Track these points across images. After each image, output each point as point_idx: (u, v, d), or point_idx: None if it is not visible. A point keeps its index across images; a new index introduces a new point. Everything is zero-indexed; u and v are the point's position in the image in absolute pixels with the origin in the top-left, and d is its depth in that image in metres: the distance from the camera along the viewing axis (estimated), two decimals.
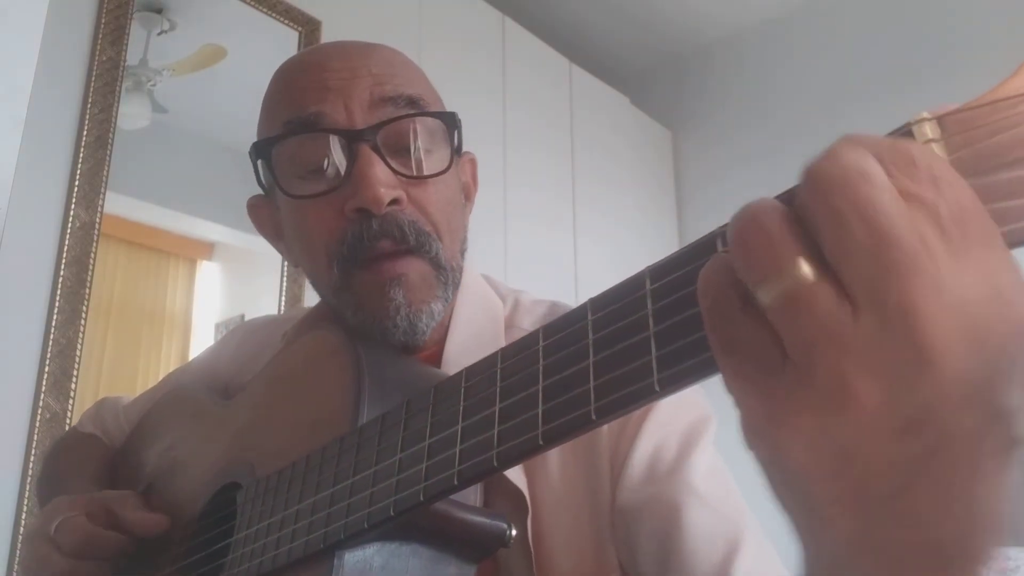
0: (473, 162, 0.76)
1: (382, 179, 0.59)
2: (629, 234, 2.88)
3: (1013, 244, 0.25)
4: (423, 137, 0.63)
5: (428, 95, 0.66)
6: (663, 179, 3.19)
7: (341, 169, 0.61)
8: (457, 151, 0.68)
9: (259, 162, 0.65)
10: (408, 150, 0.63)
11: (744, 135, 3.11)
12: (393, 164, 0.61)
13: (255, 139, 0.69)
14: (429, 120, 0.64)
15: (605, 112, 2.94)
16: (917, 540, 0.25)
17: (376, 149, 0.60)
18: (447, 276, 0.64)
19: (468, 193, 0.75)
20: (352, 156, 0.60)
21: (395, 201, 0.61)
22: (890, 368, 0.24)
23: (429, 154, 0.64)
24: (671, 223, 3.16)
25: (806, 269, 0.25)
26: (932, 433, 0.24)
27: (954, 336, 0.23)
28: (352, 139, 0.60)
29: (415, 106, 0.64)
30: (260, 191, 0.71)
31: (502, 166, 2.42)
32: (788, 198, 0.27)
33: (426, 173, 0.63)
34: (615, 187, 2.89)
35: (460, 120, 0.65)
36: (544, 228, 2.56)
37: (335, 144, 0.61)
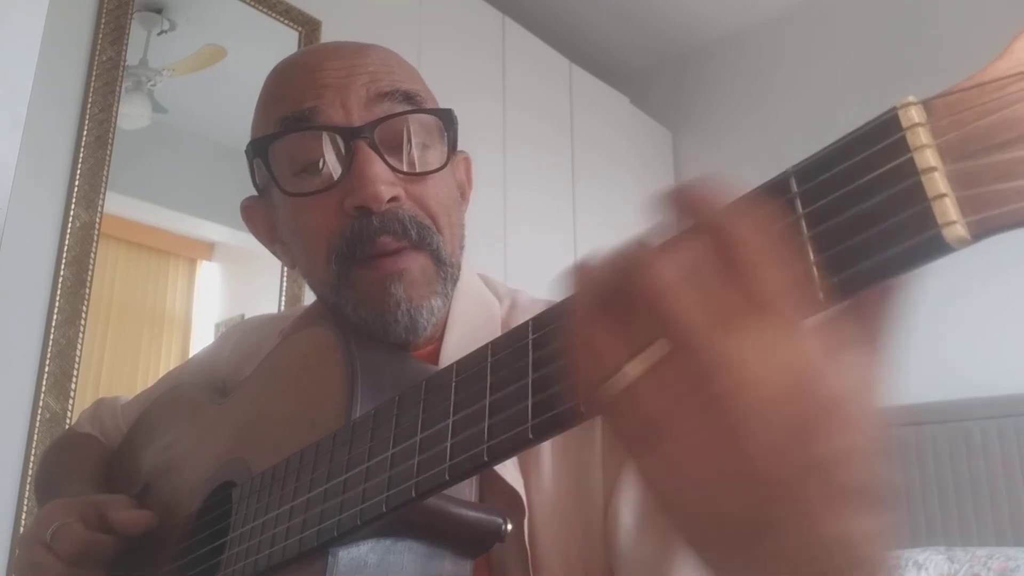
0: (467, 161, 0.76)
1: (381, 176, 0.59)
2: (629, 234, 2.87)
3: (1003, 227, 0.25)
4: (420, 134, 0.63)
5: (424, 92, 0.66)
6: (663, 179, 3.19)
7: (339, 166, 0.61)
8: (452, 148, 0.68)
9: (256, 161, 0.65)
10: (405, 147, 0.63)
11: (744, 135, 3.11)
12: (391, 161, 0.61)
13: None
14: (426, 117, 0.64)
15: (605, 112, 2.93)
16: None
17: (374, 146, 0.60)
18: (447, 271, 0.64)
19: (463, 192, 0.75)
20: (350, 153, 0.60)
21: (394, 198, 0.61)
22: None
23: (426, 151, 0.64)
24: None
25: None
26: (757, 485, 0.28)
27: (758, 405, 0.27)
28: (349, 136, 0.60)
29: (412, 102, 0.64)
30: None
31: (502, 166, 2.42)
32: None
33: (424, 170, 0.63)
34: (615, 187, 2.89)
35: (456, 117, 0.65)
36: (544, 228, 2.56)
37: (333, 141, 0.61)
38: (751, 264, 0.28)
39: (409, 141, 0.63)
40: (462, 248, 0.68)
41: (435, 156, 0.64)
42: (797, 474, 0.28)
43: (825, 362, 0.28)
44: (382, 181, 0.59)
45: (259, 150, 0.64)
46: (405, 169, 0.62)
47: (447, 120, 0.64)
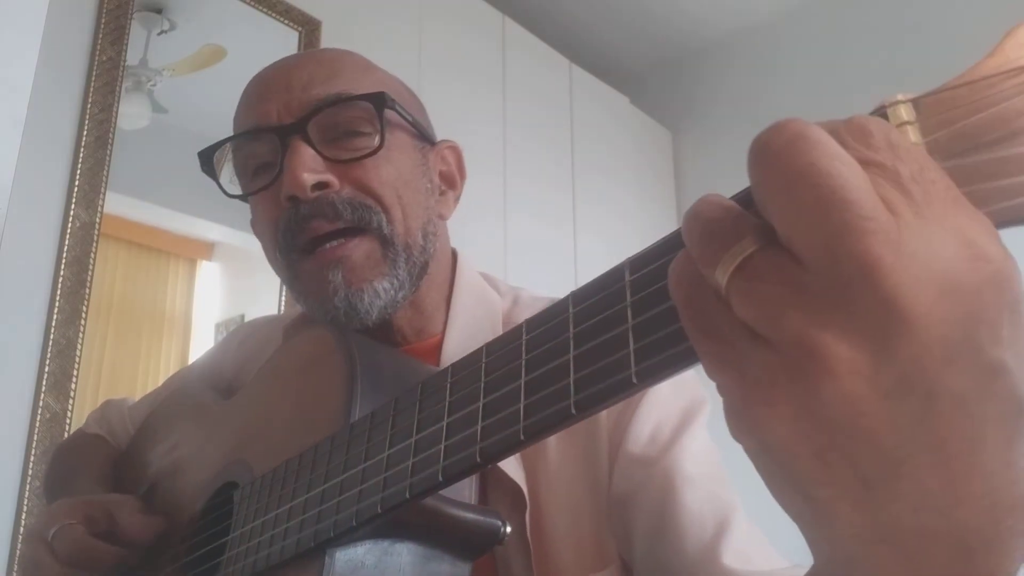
0: (453, 149, 0.76)
1: (306, 165, 0.62)
2: (630, 234, 2.88)
3: (996, 225, 0.25)
4: (356, 122, 0.65)
5: (363, 84, 0.68)
6: (663, 179, 3.19)
7: (277, 165, 0.64)
8: (423, 136, 0.70)
9: (205, 169, 0.69)
10: (342, 137, 0.65)
11: (744, 135, 3.09)
12: (326, 152, 0.63)
13: None
14: (362, 104, 0.65)
15: (605, 112, 2.93)
16: (934, 528, 0.23)
17: (307, 140, 0.63)
18: (397, 252, 0.65)
19: (451, 181, 0.75)
20: (284, 150, 0.63)
21: (324, 184, 0.63)
22: (860, 327, 0.22)
23: (363, 137, 0.65)
24: (671, 224, 3.15)
25: (748, 242, 0.25)
26: (919, 395, 0.22)
27: (925, 291, 0.22)
28: (284, 134, 0.63)
29: (343, 95, 0.65)
30: None
31: (502, 166, 2.42)
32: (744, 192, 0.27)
33: (357, 155, 0.64)
34: (615, 187, 2.89)
35: (392, 99, 0.66)
36: (545, 227, 2.56)
37: (271, 142, 0.64)
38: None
39: (343, 131, 0.65)
40: (428, 233, 0.69)
41: (373, 141, 0.66)
42: (970, 385, 0.22)
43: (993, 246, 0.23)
44: (305, 169, 0.61)
45: (204, 160, 0.68)
46: (337, 157, 0.64)
47: (378, 103, 0.65)
